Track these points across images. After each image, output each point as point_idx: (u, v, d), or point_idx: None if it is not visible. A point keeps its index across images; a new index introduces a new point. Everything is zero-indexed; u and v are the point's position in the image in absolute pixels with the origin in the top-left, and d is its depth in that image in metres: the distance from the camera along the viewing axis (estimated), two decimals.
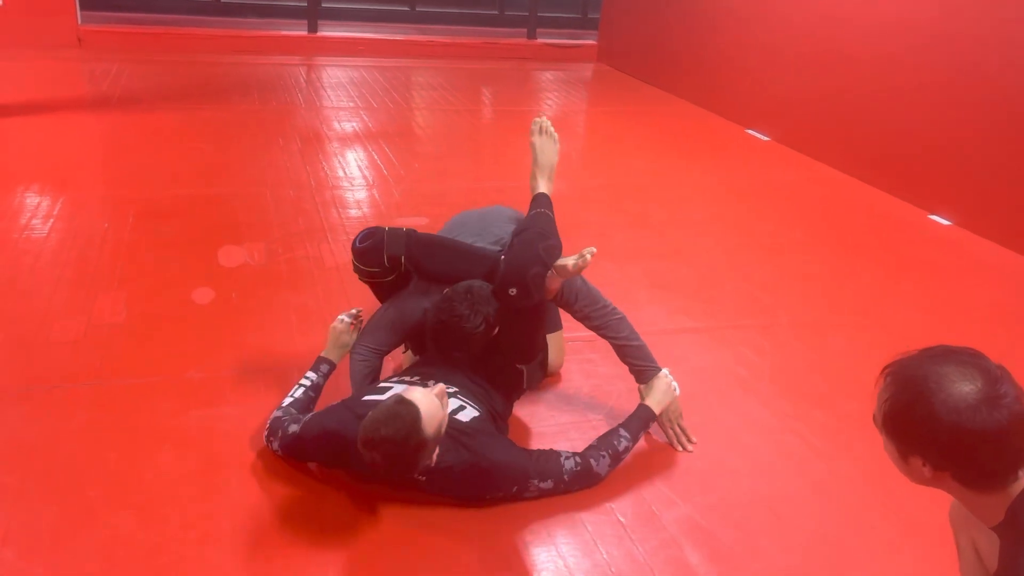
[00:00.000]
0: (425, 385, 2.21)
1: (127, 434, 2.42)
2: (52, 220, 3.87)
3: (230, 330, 3.05)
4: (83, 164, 4.88)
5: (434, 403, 2.03)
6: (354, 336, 2.59)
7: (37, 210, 3.98)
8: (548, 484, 2.22)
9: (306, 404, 2.44)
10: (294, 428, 2.26)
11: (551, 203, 2.63)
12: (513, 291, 2.34)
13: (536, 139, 2.73)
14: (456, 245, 2.56)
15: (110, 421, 2.48)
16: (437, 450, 2.07)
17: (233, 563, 1.98)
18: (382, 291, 2.60)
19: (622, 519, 2.24)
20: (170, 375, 2.74)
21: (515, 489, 2.20)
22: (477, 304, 2.31)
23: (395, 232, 2.46)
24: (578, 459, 2.28)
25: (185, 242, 3.76)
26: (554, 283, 2.42)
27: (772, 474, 2.49)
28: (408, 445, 1.95)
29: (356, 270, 2.53)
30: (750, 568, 2.10)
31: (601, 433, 2.43)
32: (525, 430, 2.59)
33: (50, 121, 5.47)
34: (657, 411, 2.48)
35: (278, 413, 2.38)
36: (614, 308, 2.55)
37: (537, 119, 2.77)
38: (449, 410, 2.18)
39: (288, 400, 2.44)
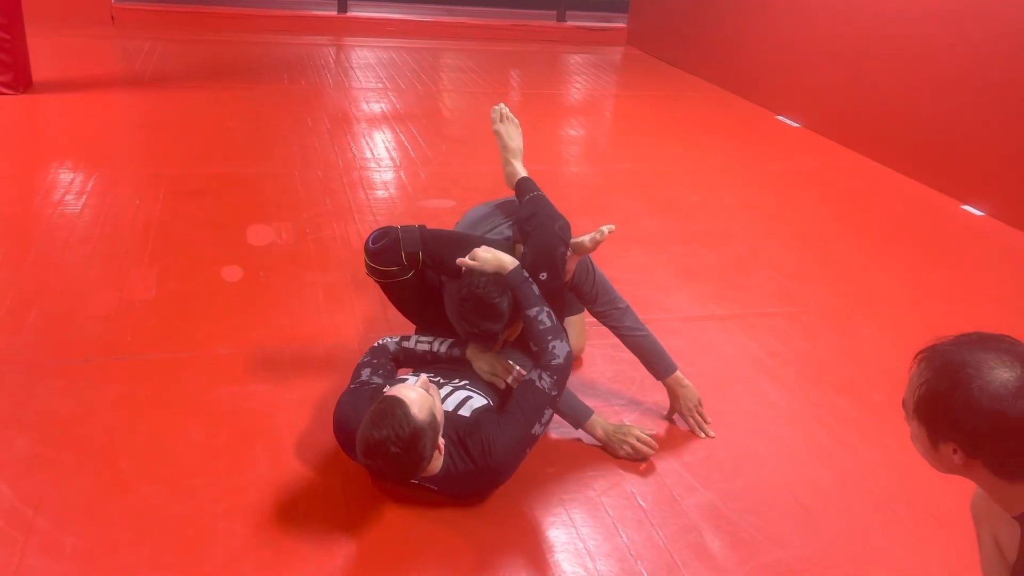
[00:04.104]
0: (437, 384, 2.22)
1: (158, 408, 2.47)
2: (85, 196, 3.93)
3: (259, 308, 3.09)
4: (115, 141, 4.93)
5: (417, 391, 1.99)
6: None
7: (71, 187, 4.04)
8: (547, 418, 2.16)
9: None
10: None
11: (537, 185, 2.61)
12: (544, 275, 2.32)
13: (499, 127, 2.75)
14: (469, 237, 2.50)
15: (141, 395, 2.52)
16: (442, 445, 2.02)
17: (259, 536, 2.01)
18: (398, 292, 2.49)
19: (643, 504, 2.25)
20: (200, 351, 2.78)
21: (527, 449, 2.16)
22: (495, 278, 2.27)
23: (408, 229, 2.40)
24: (546, 376, 2.18)
25: (214, 220, 3.80)
26: (571, 263, 2.42)
27: (796, 462, 2.48)
28: (404, 439, 1.89)
29: (370, 271, 2.43)
30: (771, 556, 2.11)
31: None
32: None
33: (83, 98, 5.53)
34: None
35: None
36: (620, 298, 2.55)
37: (496, 107, 2.79)
38: (455, 403, 2.17)
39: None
